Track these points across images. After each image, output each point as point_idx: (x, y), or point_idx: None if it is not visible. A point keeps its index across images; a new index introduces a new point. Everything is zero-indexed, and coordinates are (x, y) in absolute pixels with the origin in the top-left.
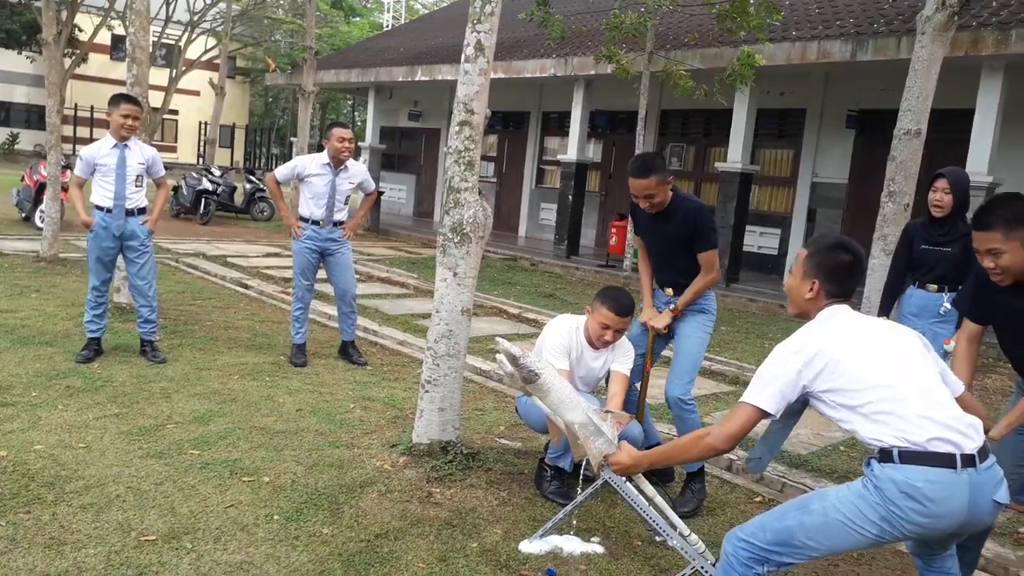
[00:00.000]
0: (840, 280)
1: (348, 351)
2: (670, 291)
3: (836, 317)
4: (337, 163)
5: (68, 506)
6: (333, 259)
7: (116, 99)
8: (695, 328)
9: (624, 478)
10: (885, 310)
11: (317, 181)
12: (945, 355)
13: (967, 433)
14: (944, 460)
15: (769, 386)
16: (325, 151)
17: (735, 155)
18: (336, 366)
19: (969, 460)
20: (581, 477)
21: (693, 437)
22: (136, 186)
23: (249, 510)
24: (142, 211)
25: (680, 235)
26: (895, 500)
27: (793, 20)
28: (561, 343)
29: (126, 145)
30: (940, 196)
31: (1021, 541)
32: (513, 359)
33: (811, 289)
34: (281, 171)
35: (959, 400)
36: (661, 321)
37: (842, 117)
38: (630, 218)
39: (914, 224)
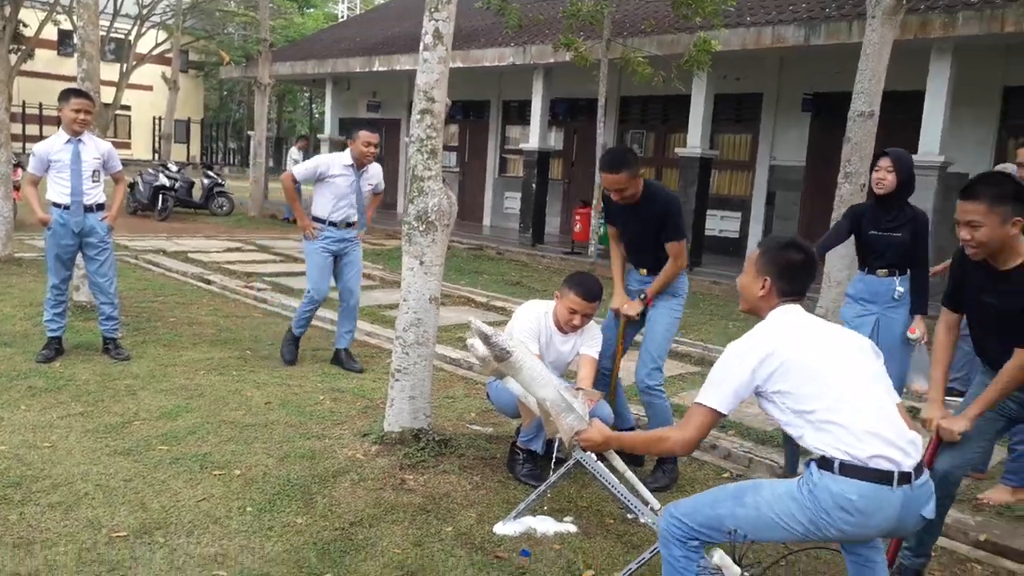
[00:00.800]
0: (792, 278)
1: (341, 358)
2: (644, 271)
3: (789, 317)
4: (360, 165)
5: (36, 505)
6: (346, 259)
7: (66, 94)
8: (665, 313)
9: (595, 457)
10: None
11: (341, 182)
12: (907, 342)
13: (907, 451)
14: (882, 477)
15: (723, 386)
16: (348, 151)
17: (694, 140)
18: (303, 358)
19: (905, 478)
20: (553, 459)
21: (655, 438)
22: (93, 181)
23: (221, 503)
24: (100, 207)
25: (651, 225)
26: (827, 509)
27: (747, 6)
28: (531, 327)
29: (80, 140)
30: (883, 174)
31: (980, 507)
32: (485, 337)
33: (763, 287)
34: (300, 171)
35: None
36: (633, 309)
37: (798, 101)
38: (602, 206)
39: (860, 208)
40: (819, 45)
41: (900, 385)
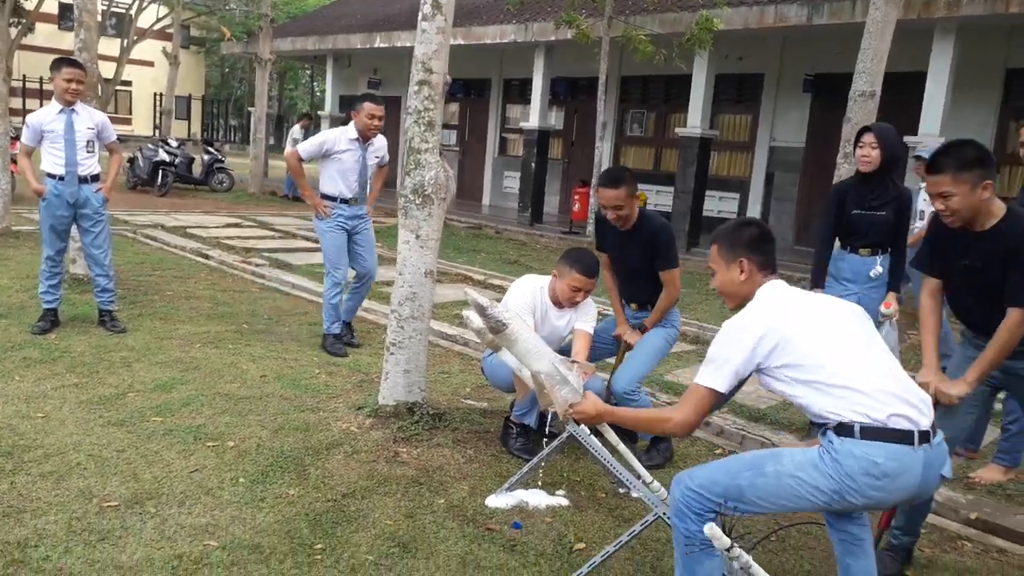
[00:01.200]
0: (762, 249)
1: (352, 332)
2: (634, 306)
3: (778, 292)
4: (366, 138)
5: (27, 475)
6: (359, 237)
7: (57, 63)
8: (658, 337)
9: (588, 430)
10: (819, 281)
11: (347, 157)
12: (881, 318)
13: (922, 409)
14: (903, 437)
15: (724, 367)
16: (352, 124)
17: (694, 120)
18: (299, 333)
19: (924, 437)
20: (546, 433)
21: (655, 418)
22: (88, 152)
23: (214, 474)
24: (95, 178)
25: (644, 253)
26: (852, 475)
27: None
28: (526, 302)
29: (73, 110)
30: (867, 151)
31: (971, 486)
32: (481, 309)
33: (741, 270)
34: (306, 148)
35: None
36: (634, 338)
37: (799, 81)
38: (595, 233)
39: (843, 186)
40: (822, 25)
41: None
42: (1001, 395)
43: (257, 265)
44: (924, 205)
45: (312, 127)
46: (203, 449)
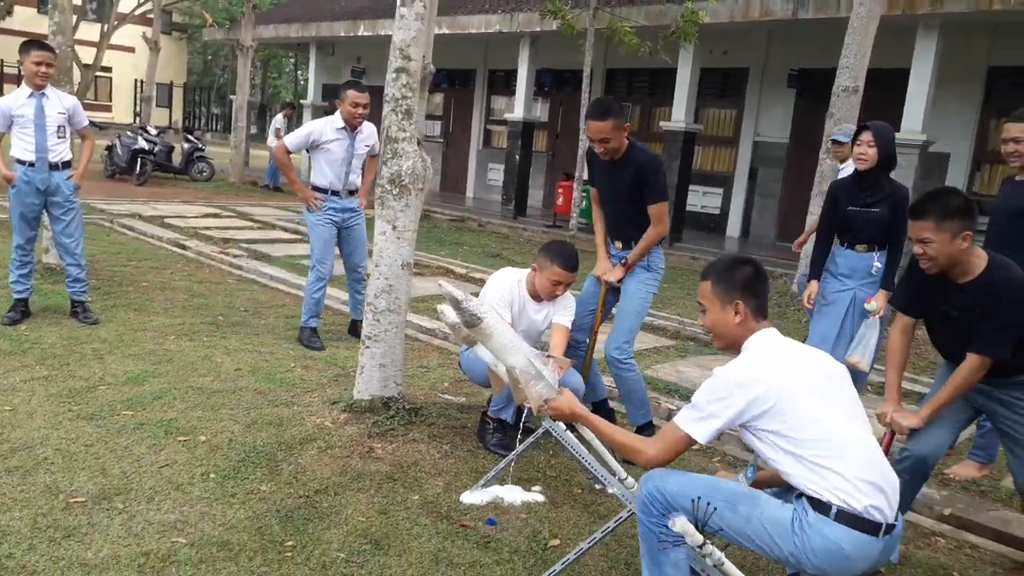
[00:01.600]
0: (757, 292)
1: (359, 329)
2: (619, 244)
3: (772, 345)
4: (352, 127)
5: None
6: (350, 232)
7: (26, 46)
8: (640, 286)
9: (564, 426)
10: (816, 273)
11: (335, 147)
12: (865, 314)
13: (892, 499)
14: (872, 528)
15: (709, 421)
16: (338, 114)
17: (679, 114)
18: (276, 326)
19: (890, 528)
20: (521, 428)
21: (630, 447)
22: (59, 137)
23: (184, 469)
24: (67, 165)
25: (632, 185)
26: (816, 551)
27: None
28: (504, 296)
29: (43, 94)
30: (864, 149)
31: (946, 482)
32: (456, 302)
33: (737, 312)
34: (292, 139)
35: None
36: (615, 275)
37: (784, 76)
38: (586, 168)
39: (840, 183)
40: (807, 19)
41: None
42: None
43: (235, 256)
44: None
45: (295, 116)
46: (174, 444)
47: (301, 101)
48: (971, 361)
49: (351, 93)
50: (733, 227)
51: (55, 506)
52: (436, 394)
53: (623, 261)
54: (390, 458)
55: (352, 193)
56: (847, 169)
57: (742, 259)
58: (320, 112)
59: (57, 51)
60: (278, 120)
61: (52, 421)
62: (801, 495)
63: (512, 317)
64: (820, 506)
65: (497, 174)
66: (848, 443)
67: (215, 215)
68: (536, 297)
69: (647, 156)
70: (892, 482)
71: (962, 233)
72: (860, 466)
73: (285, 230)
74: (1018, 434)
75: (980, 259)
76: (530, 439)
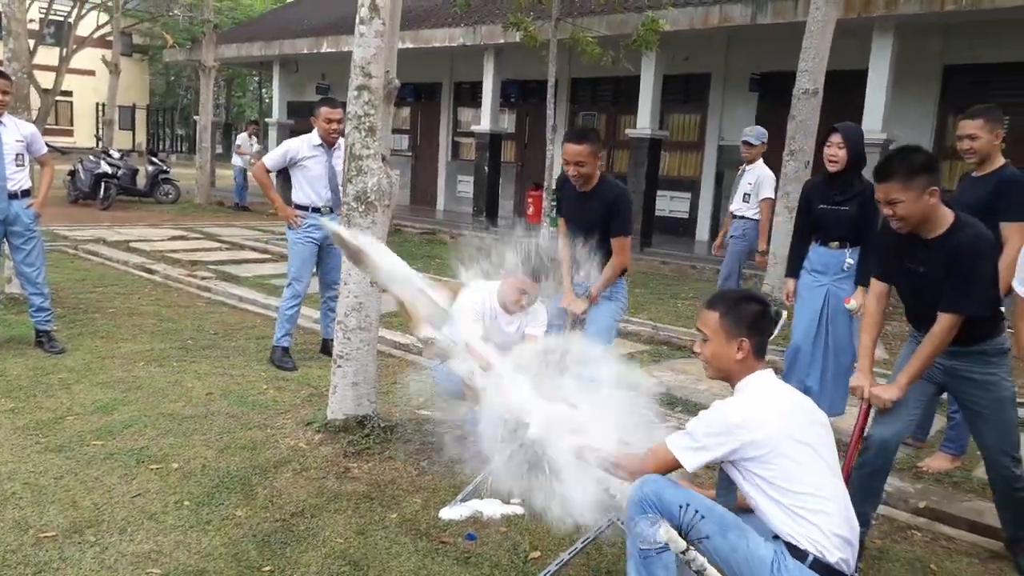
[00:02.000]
0: (763, 329)
1: (331, 347)
2: (583, 274)
3: (770, 388)
4: (329, 143)
5: None
6: (332, 249)
7: None
8: (604, 316)
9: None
10: (793, 271)
11: (312, 164)
12: (850, 315)
13: (855, 548)
14: None
15: (700, 453)
16: (315, 131)
17: (644, 121)
18: (247, 348)
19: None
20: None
21: (613, 462)
22: (17, 166)
23: (157, 498)
24: (26, 193)
25: (601, 217)
26: None
27: None
28: (474, 309)
29: (1, 123)
30: (835, 151)
31: (920, 475)
32: (340, 240)
33: (740, 348)
34: (271, 158)
35: None
36: (579, 306)
37: (745, 80)
38: (556, 195)
39: (812, 183)
40: (766, 24)
41: (852, 356)
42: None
43: (203, 278)
44: (748, 188)
45: (259, 134)
46: (146, 472)
47: (267, 120)
48: (942, 321)
49: (324, 110)
50: (702, 230)
51: (24, 542)
52: (411, 410)
53: (587, 293)
54: (366, 477)
55: (334, 210)
56: (754, 171)
57: (752, 296)
58: (286, 129)
59: (13, 78)
60: (242, 138)
61: (19, 454)
62: (776, 538)
63: (483, 328)
64: (798, 553)
65: (467, 186)
66: (829, 499)
67: (182, 237)
68: (509, 309)
69: (618, 190)
70: (856, 531)
71: (928, 188)
72: (837, 521)
73: (254, 250)
74: (985, 409)
75: (947, 215)
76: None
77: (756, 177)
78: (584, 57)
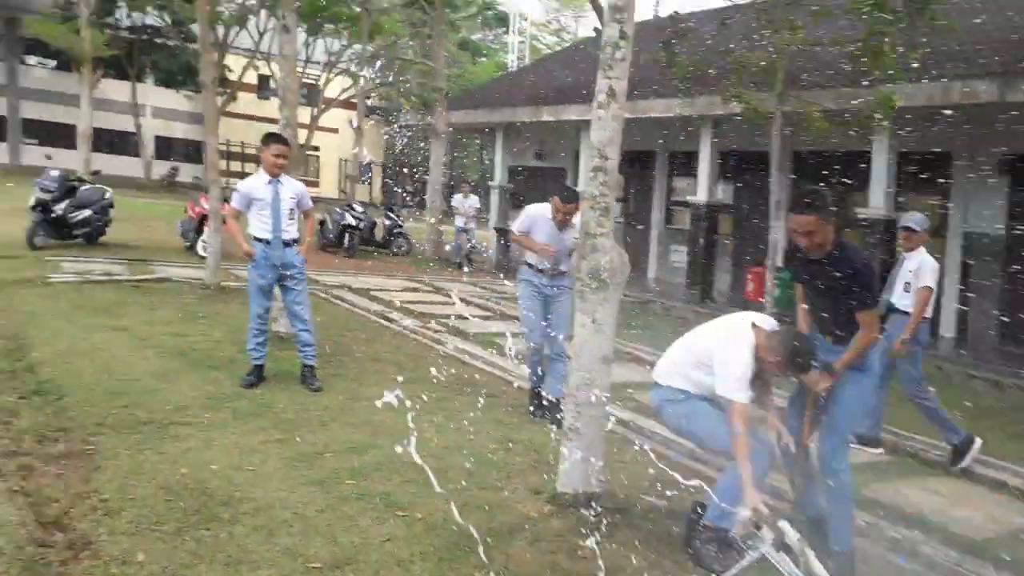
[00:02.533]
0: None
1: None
2: (830, 338)
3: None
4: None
5: (242, 527)
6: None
7: (267, 138)
8: (850, 387)
9: (778, 549)
10: None
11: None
12: None
13: None
14: None
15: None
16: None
17: (877, 199)
18: (475, 404)
19: None
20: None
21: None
22: (290, 219)
23: (404, 545)
24: (296, 241)
25: (840, 284)
26: None
27: (933, 58)
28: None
29: (279, 181)
30: None
31: None
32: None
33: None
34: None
35: None
36: (822, 384)
37: (993, 162)
38: (780, 255)
39: None
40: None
41: None
42: None
43: (435, 332)
44: (910, 277)
45: (475, 192)
46: (394, 518)
47: (489, 183)
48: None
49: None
50: (947, 327)
51: (296, 569)
52: (638, 494)
53: (828, 367)
54: (595, 560)
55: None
56: (915, 258)
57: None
58: (507, 193)
59: (290, 143)
60: (457, 199)
61: (287, 484)
62: None
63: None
64: None
65: (680, 256)
66: None
67: (414, 289)
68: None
69: (859, 261)
70: None
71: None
72: None
73: (478, 307)
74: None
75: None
76: (745, 562)
77: (918, 265)
78: (811, 132)
